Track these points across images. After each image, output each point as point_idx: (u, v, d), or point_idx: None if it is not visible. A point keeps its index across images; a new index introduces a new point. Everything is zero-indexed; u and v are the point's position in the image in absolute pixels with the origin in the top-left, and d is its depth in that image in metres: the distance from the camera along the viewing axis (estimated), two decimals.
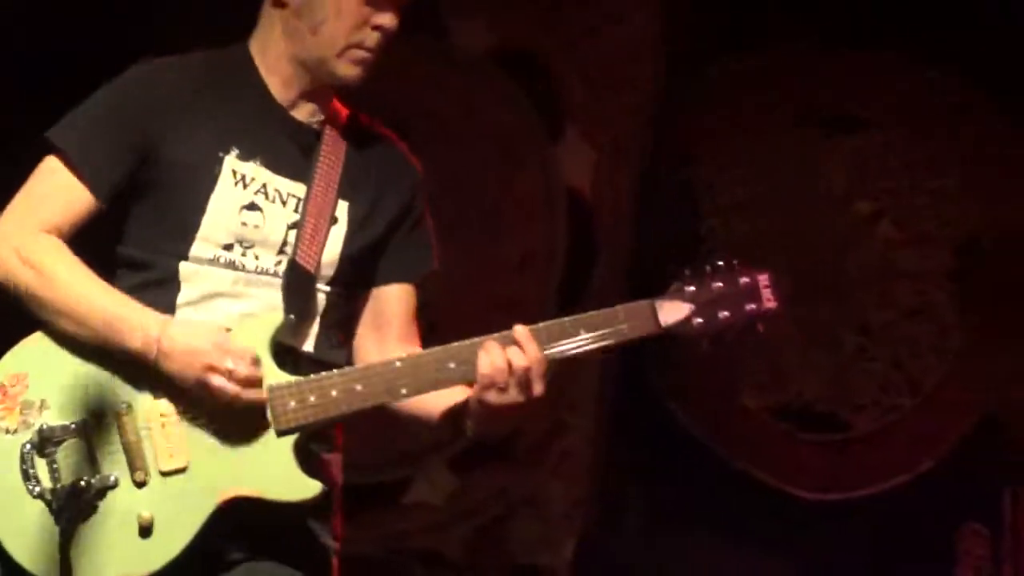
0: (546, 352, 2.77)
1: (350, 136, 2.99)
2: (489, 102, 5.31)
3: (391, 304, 2.96)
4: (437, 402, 2.85)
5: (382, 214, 2.97)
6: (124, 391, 2.83)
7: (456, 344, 2.76)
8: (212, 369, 2.73)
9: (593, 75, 5.27)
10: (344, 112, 3.01)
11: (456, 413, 2.82)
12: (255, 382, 2.77)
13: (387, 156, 3.05)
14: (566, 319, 2.79)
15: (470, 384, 2.78)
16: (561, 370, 5.26)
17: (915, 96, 5.41)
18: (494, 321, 2.86)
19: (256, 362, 2.77)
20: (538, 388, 2.73)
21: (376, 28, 2.87)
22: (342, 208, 2.93)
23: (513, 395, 2.71)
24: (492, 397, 2.71)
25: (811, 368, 5.41)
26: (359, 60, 2.88)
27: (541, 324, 2.79)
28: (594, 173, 5.28)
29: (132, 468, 2.79)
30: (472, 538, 5.24)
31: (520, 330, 2.73)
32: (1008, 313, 5.29)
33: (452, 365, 2.74)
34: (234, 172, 2.88)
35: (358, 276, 2.96)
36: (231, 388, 2.73)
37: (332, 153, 2.97)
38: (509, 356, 2.70)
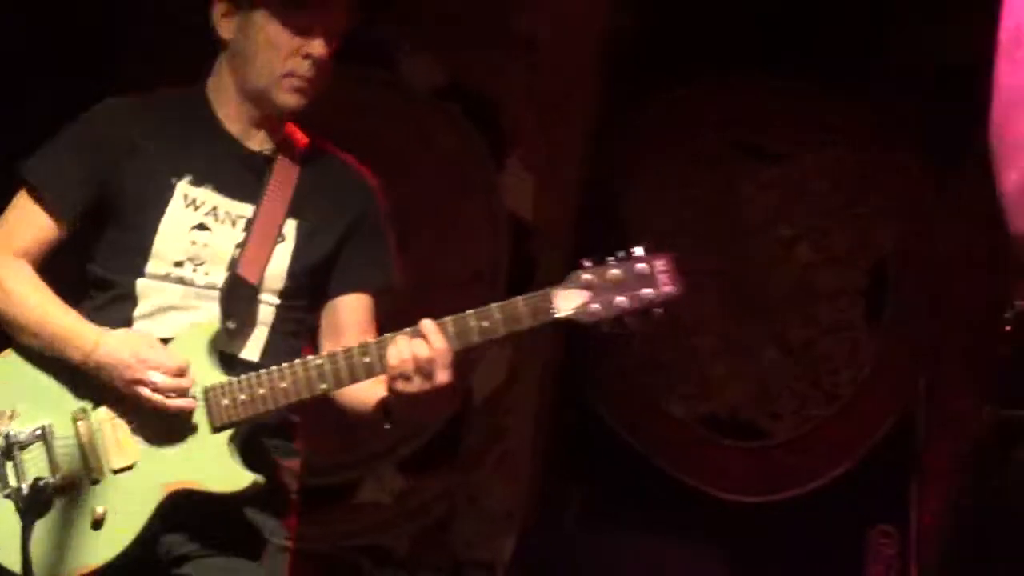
0: (453, 343, 2.82)
1: (304, 160, 3.10)
2: (439, 132, 5.40)
3: (345, 313, 3.05)
4: (368, 395, 2.94)
5: (331, 230, 3.07)
6: (79, 398, 2.96)
7: (371, 340, 2.86)
8: (138, 382, 2.85)
9: (534, 109, 5.34)
10: (300, 138, 3.12)
11: (381, 403, 2.92)
12: (181, 391, 2.88)
13: (340, 177, 3.14)
14: (471, 312, 2.84)
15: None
16: (504, 379, 5.24)
17: (830, 128, 5.51)
18: None
19: (181, 373, 2.89)
20: (442, 376, 2.80)
21: (307, 57, 2.99)
22: (290, 226, 3.04)
23: (418, 383, 2.79)
24: (400, 386, 2.80)
25: (736, 380, 5.51)
26: (296, 88, 2.99)
27: (448, 318, 2.85)
28: (534, 198, 5.37)
29: (87, 468, 2.92)
30: (418, 535, 5.30)
31: (426, 324, 2.82)
32: (915, 329, 5.40)
33: (366, 360, 2.82)
34: (185, 196, 3.02)
35: (313, 289, 3.07)
36: (156, 398, 2.85)
37: (283, 176, 3.07)
38: (414, 349, 2.78)
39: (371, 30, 5.13)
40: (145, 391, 2.84)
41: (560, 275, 5.34)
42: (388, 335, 2.83)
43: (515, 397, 5.29)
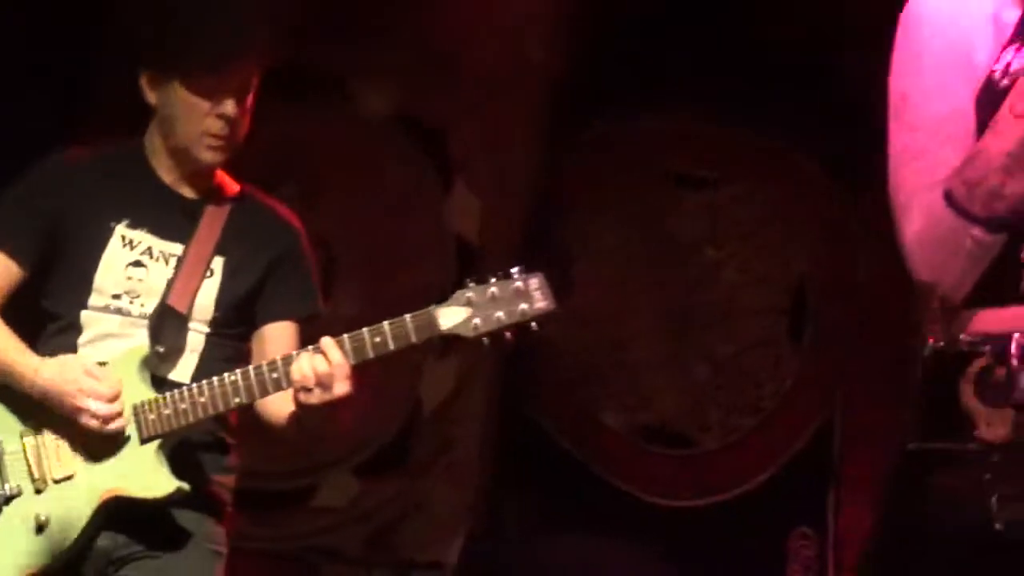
0: (351, 357, 2.92)
1: (233, 205, 3.25)
2: (390, 159, 5.47)
3: (271, 340, 3.17)
4: (281, 409, 3.08)
5: (255, 267, 3.22)
6: (26, 419, 3.10)
7: (278, 357, 2.98)
8: (78, 409, 3.00)
9: (480, 137, 5.44)
10: (231, 187, 3.27)
11: (294, 416, 3.05)
12: (113, 416, 3.01)
13: (266, 220, 3.29)
14: (366, 329, 2.94)
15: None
16: (451, 391, 5.27)
17: (753, 159, 5.64)
18: None
19: (114, 399, 3.01)
20: (340, 388, 2.91)
21: (220, 117, 3.13)
22: (218, 262, 3.19)
23: (318, 395, 2.90)
24: (302, 398, 2.92)
25: (667, 393, 5.57)
26: (213, 146, 3.15)
27: (346, 335, 2.93)
28: (480, 221, 5.45)
29: (32, 479, 3.06)
30: (370, 537, 5.31)
31: (325, 340, 2.93)
32: (833, 346, 5.50)
33: (274, 375, 2.95)
34: (123, 237, 3.18)
35: (242, 320, 3.21)
36: (94, 423, 3.01)
37: (211, 219, 3.22)
38: (314, 364, 2.89)
39: (325, 62, 5.17)
40: (84, 417, 3.00)
41: None
42: (294, 352, 2.96)
43: (462, 408, 5.36)
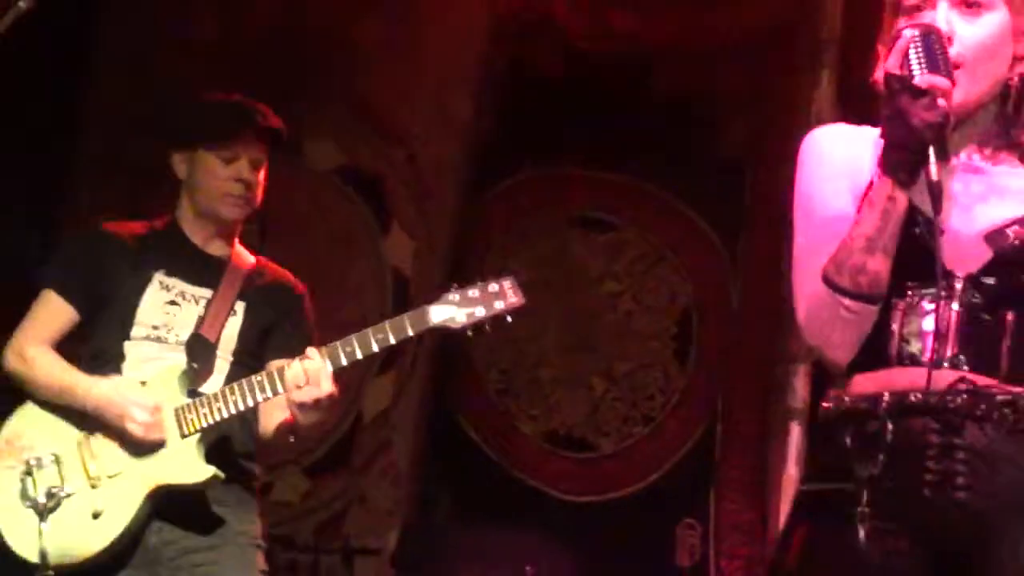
0: (344, 358, 3.00)
1: (251, 266, 3.38)
2: (335, 204, 5.63)
3: None
4: (273, 421, 3.21)
5: (269, 313, 3.34)
6: (80, 429, 3.20)
7: (283, 362, 3.08)
8: (125, 420, 3.10)
9: (412, 185, 5.59)
10: (247, 254, 3.41)
11: (288, 425, 3.17)
12: (153, 426, 3.10)
13: (276, 280, 3.41)
14: (369, 329, 3.02)
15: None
16: (389, 403, 5.30)
17: (647, 207, 5.82)
18: None
19: (153, 412, 3.09)
20: (325, 386, 2.99)
21: (238, 180, 3.27)
22: (240, 306, 3.31)
23: (307, 392, 3.01)
24: (294, 395, 3.02)
25: (571, 405, 5.74)
26: (233, 204, 3.29)
27: (336, 342, 3.01)
28: (412, 258, 5.57)
29: (88, 477, 3.15)
30: (319, 527, 5.43)
31: (310, 350, 3.04)
32: (713, 365, 5.67)
33: (280, 375, 3.07)
34: (160, 282, 3.29)
35: (256, 353, 3.30)
36: (138, 432, 3.11)
37: (234, 273, 3.35)
38: (304, 366, 3.00)
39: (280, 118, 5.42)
40: (129, 426, 3.11)
41: None
42: (292, 360, 3.07)
43: (397, 417, 5.48)
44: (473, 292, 3.06)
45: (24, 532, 3.12)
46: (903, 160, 2.11)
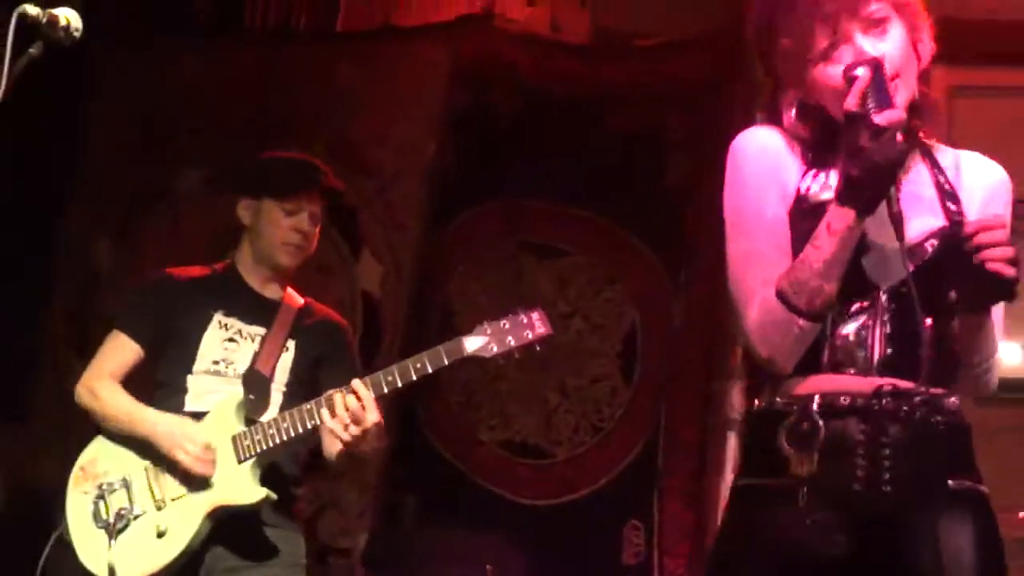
0: (386, 387, 3.14)
1: (300, 307, 3.61)
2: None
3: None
4: (336, 446, 3.36)
5: (318, 349, 3.55)
6: (145, 456, 3.43)
7: (329, 391, 3.25)
8: (178, 452, 3.32)
9: (381, 216, 5.68)
10: (297, 297, 3.63)
11: (344, 450, 3.33)
12: (202, 461, 3.29)
13: (322, 318, 3.61)
14: (408, 360, 3.18)
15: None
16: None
17: (595, 235, 5.83)
18: None
19: (207, 448, 3.28)
20: (371, 416, 3.17)
21: (297, 231, 3.53)
22: (291, 343, 3.55)
23: (345, 425, 3.18)
24: (342, 434, 3.22)
25: (527, 416, 5.77)
26: (291, 253, 3.55)
27: (382, 371, 3.17)
28: (381, 283, 5.66)
29: (154, 500, 3.38)
30: None
31: (355, 382, 3.23)
32: (656, 380, 5.69)
33: (328, 403, 3.26)
34: (219, 322, 3.51)
35: (307, 386, 3.50)
36: (187, 463, 3.32)
37: (286, 314, 3.57)
38: (347, 401, 3.19)
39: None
40: (181, 457, 3.34)
41: (402, 338, 5.33)
42: (333, 391, 3.25)
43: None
44: (504, 324, 3.22)
45: (96, 549, 3.34)
46: (865, 195, 2.16)
